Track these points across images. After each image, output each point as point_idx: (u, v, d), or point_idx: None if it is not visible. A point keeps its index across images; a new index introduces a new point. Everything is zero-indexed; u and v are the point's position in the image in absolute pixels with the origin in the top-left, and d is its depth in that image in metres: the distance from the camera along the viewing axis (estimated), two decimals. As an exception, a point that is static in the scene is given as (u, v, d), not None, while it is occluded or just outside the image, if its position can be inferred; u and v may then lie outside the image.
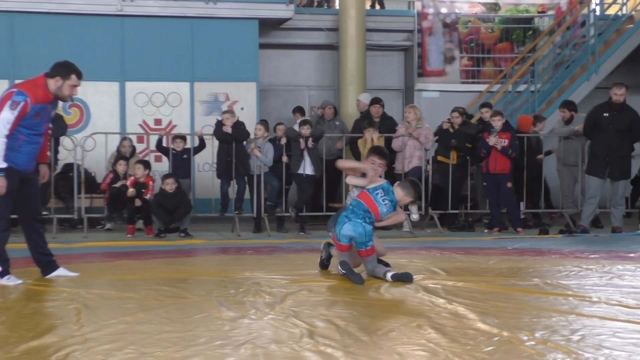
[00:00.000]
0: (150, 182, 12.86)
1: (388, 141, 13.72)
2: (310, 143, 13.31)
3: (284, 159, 13.46)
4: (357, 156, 13.76)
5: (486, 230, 13.52)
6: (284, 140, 13.55)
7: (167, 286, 7.28)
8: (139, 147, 15.01)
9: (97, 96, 15.32)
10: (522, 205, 14.16)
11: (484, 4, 18.43)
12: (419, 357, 4.67)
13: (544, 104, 16.98)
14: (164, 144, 13.97)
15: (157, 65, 15.71)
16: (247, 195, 13.58)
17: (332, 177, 13.85)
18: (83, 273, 8.11)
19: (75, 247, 11.08)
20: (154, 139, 14.30)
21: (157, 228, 12.50)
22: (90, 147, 14.08)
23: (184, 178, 13.37)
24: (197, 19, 15.87)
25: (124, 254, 10.18)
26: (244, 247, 11.19)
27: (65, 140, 13.69)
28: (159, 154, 14.37)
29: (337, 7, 17.42)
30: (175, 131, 15.33)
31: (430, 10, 18.16)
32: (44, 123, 7.62)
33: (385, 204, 7.78)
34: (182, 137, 13.84)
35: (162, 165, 14.45)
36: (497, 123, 13.14)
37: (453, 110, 13.92)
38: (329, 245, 8.29)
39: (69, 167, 13.91)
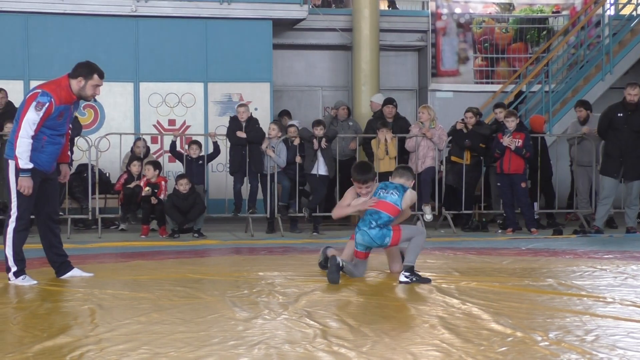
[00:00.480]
0: (163, 182, 12.87)
1: (401, 142, 13.71)
2: (323, 144, 13.31)
3: (298, 159, 13.46)
4: (370, 157, 13.76)
5: (500, 231, 13.50)
6: (297, 142, 13.55)
7: (180, 286, 7.29)
8: (153, 148, 15.05)
9: (111, 97, 15.37)
10: (536, 205, 14.13)
11: (498, 4, 18.39)
12: (432, 358, 4.66)
13: (558, 104, 16.93)
14: (178, 148, 13.90)
15: (171, 66, 15.75)
16: (259, 195, 13.60)
17: (345, 178, 13.82)
18: (97, 273, 8.14)
19: (89, 247, 11.13)
20: (168, 140, 14.32)
21: (171, 228, 12.53)
22: (104, 147, 14.12)
23: (198, 184, 13.25)
24: (211, 20, 15.90)
25: (138, 255, 10.20)
26: (258, 247, 11.20)
27: (79, 141, 13.73)
28: (173, 154, 14.40)
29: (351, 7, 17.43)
30: (189, 132, 15.37)
31: (444, 11, 18.14)
32: (66, 124, 7.67)
33: (392, 193, 7.77)
34: (198, 144, 13.69)
35: (177, 166, 14.46)
36: (511, 124, 13.11)
37: (467, 111, 13.89)
38: (327, 248, 8.32)
39: (83, 167, 13.98)
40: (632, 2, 18.10)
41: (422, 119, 13.77)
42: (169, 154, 14.61)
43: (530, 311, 6.06)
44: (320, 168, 13.40)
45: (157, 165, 13.08)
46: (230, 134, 13.45)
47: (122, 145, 13.92)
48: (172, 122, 15.76)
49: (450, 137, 13.90)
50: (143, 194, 12.61)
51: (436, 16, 18.11)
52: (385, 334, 5.25)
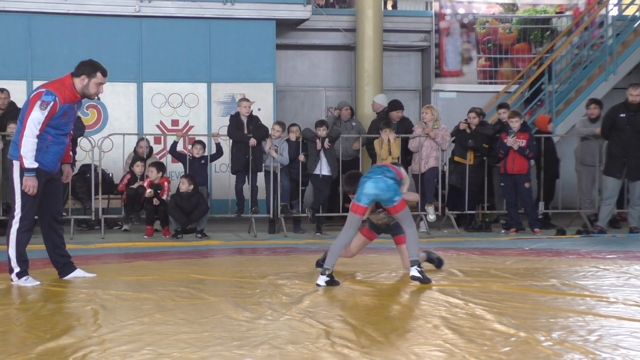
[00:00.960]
0: (166, 183, 12.86)
1: (405, 142, 13.71)
2: (326, 144, 13.31)
3: (301, 157, 13.44)
4: (373, 157, 13.76)
5: (503, 231, 13.48)
6: (293, 137, 13.50)
7: (183, 287, 7.30)
8: (156, 148, 15.03)
9: (114, 97, 15.36)
10: (541, 205, 14.11)
11: (502, 5, 18.38)
12: (435, 358, 4.66)
13: (562, 104, 16.91)
14: (179, 148, 13.84)
15: (175, 66, 15.74)
16: (261, 195, 13.59)
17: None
18: (100, 274, 8.14)
19: (92, 248, 11.13)
20: (171, 140, 14.30)
21: (174, 229, 12.52)
22: (107, 148, 14.14)
23: (201, 185, 13.17)
24: (215, 20, 15.90)
25: (141, 255, 10.21)
26: (261, 247, 11.20)
27: (82, 141, 13.73)
28: (176, 155, 14.39)
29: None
30: (192, 132, 15.36)
31: (448, 11, 18.13)
32: (70, 123, 7.67)
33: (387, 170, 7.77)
34: (202, 144, 13.60)
35: (180, 167, 14.42)
36: (515, 124, 13.10)
37: (470, 111, 13.88)
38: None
39: (86, 168, 13.96)
40: (636, 2, 18.07)
41: (425, 119, 13.76)
42: (172, 155, 14.65)
43: (533, 311, 6.06)
44: (323, 168, 13.39)
45: (160, 167, 13.05)
46: (232, 131, 13.43)
47: (125, 145, 13.91)
48: (175, 122, 15.76)
49: (453, 138, 13.89)
50: (146, 196, 12.61)
51: (440, 16, 18.10)
52: (389, 334, 5.25)
